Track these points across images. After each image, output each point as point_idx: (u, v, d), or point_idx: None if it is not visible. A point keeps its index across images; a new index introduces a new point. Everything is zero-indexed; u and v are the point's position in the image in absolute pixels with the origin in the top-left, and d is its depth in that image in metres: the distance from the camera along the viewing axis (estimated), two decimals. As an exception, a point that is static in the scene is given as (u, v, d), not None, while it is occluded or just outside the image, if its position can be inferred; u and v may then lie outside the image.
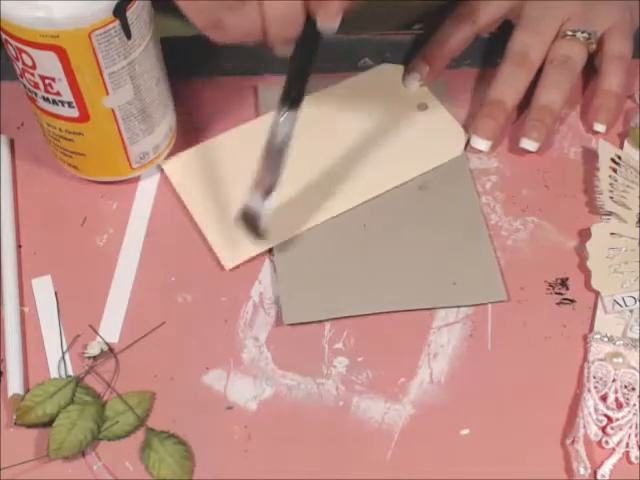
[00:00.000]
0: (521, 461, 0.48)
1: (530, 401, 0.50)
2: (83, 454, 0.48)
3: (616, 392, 0.49)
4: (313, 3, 0.46)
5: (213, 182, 0.58)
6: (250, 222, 0.53)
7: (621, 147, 0.60)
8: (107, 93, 0.52)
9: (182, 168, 0.59)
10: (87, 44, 0.48)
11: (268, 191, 0.51)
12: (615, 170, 0.57)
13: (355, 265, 0.55)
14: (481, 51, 0.65)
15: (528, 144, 0.59)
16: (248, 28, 0.47)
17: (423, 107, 0.62)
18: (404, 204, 0.57)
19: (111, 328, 0.53)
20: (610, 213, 0.56)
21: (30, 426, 0.49)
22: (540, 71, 0.61)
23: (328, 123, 0.61)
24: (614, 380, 0.50)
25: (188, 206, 0.57)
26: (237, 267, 0.55)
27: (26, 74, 0.51)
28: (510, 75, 0.60)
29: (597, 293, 0.53)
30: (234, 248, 0.55)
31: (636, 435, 0.48)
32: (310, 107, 0.61)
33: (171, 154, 0.59)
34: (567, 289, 0.54)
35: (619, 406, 0.49)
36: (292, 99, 0.50)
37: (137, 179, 0.59)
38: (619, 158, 0.58)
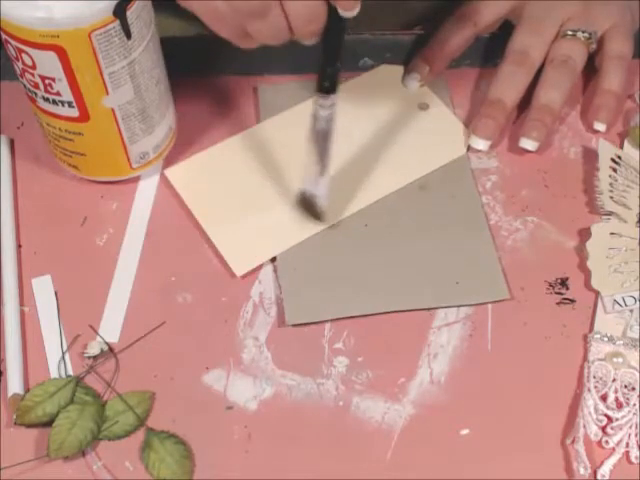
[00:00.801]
0: (521, 461, 0.48)
1: (530, 401, 0.50)
2: (83, 454, 0.48)
3: (616, 392, 0.49)
4: None
5: (218, 189, 0.58)
6: (309, 205, 0.56)
7: (621, 147, 0.60)
8: (107, 93, 0.52)
9: (186, 176, 0.58)
10: (87, 44, 0.48)
11: (321, 173, 0.54)
12: (615, 170, 0.57)
13: (356, 265, 0.55)
14: (481, 51, 0.65)
15: (528, 144, 0.59)
16: (275, 31, 0.48)
17: (425, 107, 0.62)
18: (405, 204, 0.57)
19: (111, 328, 0.53)
20: (610, 213, 0.56)
21: (30, 426, 0.49)
22: (540, 71, 0.61)
23: None
24: (614, 380, 0.50)
25: (195, 214, 0.57)
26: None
27: (26, 74, 0.51)
28: (510, 75, 0.60)
29: (597, 293, 0.53)
30: (244, 255, 0.55)
31: (636, 435, 0.48)
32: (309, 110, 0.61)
33: (171, 154, 0.59)
34: (567, 289, 0.54)
35: (619, 406, 0.49)
36: (328, 85, 0.52)
37: (137, 179, 0.59)
38: (619, 158, 0.58)
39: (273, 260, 0.55)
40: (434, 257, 0.55)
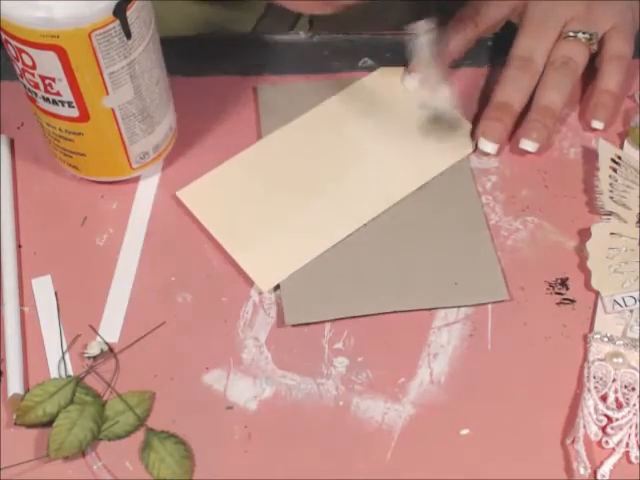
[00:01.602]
0: (521, 461, 0.48)
1: (530, 401, 0.50)
2: (83, 454, 0.48)
3: (616, 392, 0.49)
4: None
5: (233, 207, 0.57)
6: (441, 120, 0.60)
7: (621, 147, 0.60)
8: (107, 93, 0.52)
9: (199, 196, 0.58)
10: (87, 44, 0.48)
11: (438, 84, 0.60)
12: (615, 170, 0.57)
13: (356, 265, 0.55)
14: (481, 51, 0.65)
15: (528, 145, 0.59)
16: None
17: (427, 107, 0.62)
18: (405, 204, 0.57)
19: (111, 328, 0.53)
20: (610, 213, 0.56)
21: (30, 426, 0.49)
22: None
23: (336, 135, 0.61)
24: (614, 380, 0.50)
25: (213, 233, 0.56)
26: (237, 267, 0.55)
27: (26, 74, 0.51)
28: (515, 79, 0.60)
29: (597, 293, 0.53)
30: (268, 270, 0.54)
31: (636, 435, 0.48)
32: (315, 120, 0.61)
33: (171, 154, 0.59)
34: (567, 289, 0.54)
35: (619, 406, 0.49)
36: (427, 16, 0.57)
37: (137, 179, 0.59)
38: (619, 158, 0.58)
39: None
40: (433, 257, 0.55)
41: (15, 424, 0.49)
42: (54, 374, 0.51)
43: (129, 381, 0.51)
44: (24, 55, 0.49)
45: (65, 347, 0.52)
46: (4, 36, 0.50)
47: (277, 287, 0.54)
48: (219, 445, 0.49)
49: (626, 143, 0.60)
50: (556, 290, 0.54)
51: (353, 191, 0.58)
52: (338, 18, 0.67)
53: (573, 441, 0.48)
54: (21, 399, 0.49)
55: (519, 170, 0.59)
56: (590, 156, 0.59)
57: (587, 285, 0.54)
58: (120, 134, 0.54)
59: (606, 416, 0.49)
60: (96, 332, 0.52)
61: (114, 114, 0.53)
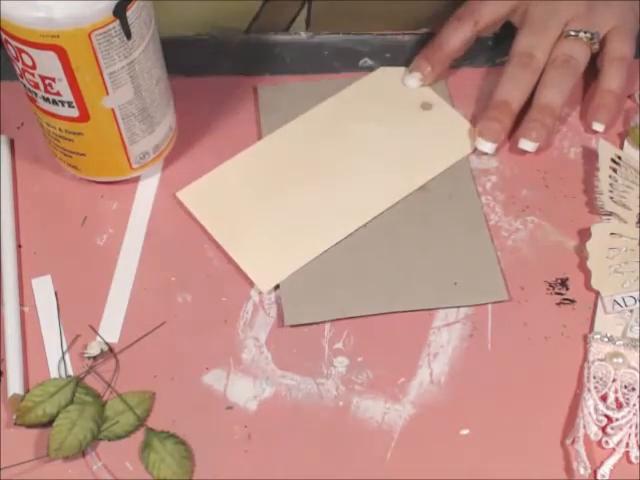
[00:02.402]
0: (521, 461, 0.48)
1: (530, 401, 0.50)
2: (83, 454, 0.48)
3: (616, 392, 0.49)
4: None
5: (232, 207, 0.57)
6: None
7: (621, 147, 0.60)
8: (107, 93, 0.52)
9: (198, 196, 0.58)
10: (87, 44, 0.48)
11: None
12: (615, 170, 0.57)
13: (356, 265, 0.55)
14: (481, 51, 0.65)
15: (527, 145, 0.59)
16: None
17: (427, 107, 0.62)
18: (404, 204, 0.57)
19: (111, 328, 0.53)
20: (610, 213, 0.56)
21: (30, 426, 0.49)
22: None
23: (336, 135, 0.61)
24: (614, 380, 0.50)
25: (213, 234, 0.56)
26: (237, 267, 0.55)
27: (26, 74, 0.51)
28: (515, 76, 0.60)
29: (597, 293, 0.53)
30: (268, 271, 0.54)
31: (636, 435, 0.48)
32: (315, 120, 0.61)
33: (171, 154, 0.59)
34: (567, 289, 0.54)
35: (619, 406, 0.49)
36: None
37: (137, 179, 0.59)
38: (619, 158, 0.58)
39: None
40: (433, 257, 0.55)
41: (15, 424, 0.49)
42: (54, 374, 0.51)
43: (129, 381, 0.51)
44: (24, 55, 0.49)
45: (65, 347, 0.52)
46: (4, 36, 0.50)
47: (277, 287, 0.54)
48: (219, 445, 0.49)
49: (626, 143, 0.60)
50: (556, 290, 0.54)
51: (353, 191, 0.58)
52: (336, 18, 0.67)
53: (573, 441, 0.48)
54: (21, 399, 0.49)
55: (519, 170, 0.59)
56: (590, 156, 0.59)
57: (587, 285, 0.54)
58: (120, 134, 0.54)
59: (606, 416, 0.49)
60: (96, 332, 0.52)
61: (114, 114, 0.53)
